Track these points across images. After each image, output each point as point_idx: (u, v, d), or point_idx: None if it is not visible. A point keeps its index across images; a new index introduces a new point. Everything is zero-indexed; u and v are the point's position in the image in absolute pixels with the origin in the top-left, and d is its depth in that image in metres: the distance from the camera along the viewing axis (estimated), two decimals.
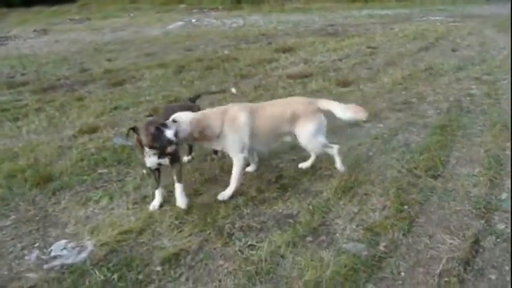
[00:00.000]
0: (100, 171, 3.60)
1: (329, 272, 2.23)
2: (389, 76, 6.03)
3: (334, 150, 3.23)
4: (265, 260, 2.36)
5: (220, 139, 2.99)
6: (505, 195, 2.87)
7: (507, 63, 6.60)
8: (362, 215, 2.77)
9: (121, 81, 6.52)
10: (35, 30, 12.18)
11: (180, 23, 11.94)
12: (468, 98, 5.04)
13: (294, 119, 3.06)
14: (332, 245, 2.49)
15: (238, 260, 2.38)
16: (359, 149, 3.76)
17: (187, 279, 2.27)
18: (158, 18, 13.26)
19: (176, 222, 2.78)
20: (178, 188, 2.92)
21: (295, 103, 3.18)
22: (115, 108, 5.25)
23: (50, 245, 2.65)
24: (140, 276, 2.31)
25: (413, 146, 3.77)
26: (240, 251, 2.47)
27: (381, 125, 4.31)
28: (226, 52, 8.09)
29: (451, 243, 2.46)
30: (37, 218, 2.96)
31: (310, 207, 2.89)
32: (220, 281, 2.25)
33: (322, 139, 3.14)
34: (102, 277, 2.29)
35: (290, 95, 5.00)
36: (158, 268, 2.37)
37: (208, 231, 2.66)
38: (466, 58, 7.10)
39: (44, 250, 2.60)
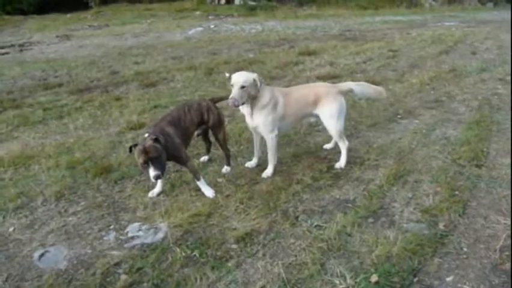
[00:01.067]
0: None
1: (397, 248, 2.40)
2: (416, 77, 6.22)
3: (345, 144, 3.47)
4: (334, 238, 2.52)
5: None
6: None
7: None
8: (417, 199, 2.94)
9: (153, 82, 6.73)
10: (57, 36, 12.48)
11: (199, 28, 12.21)
12: (496, 97, 5.21)
13: (317, 100, 3.33)
14: (393, 225, 2.66)
15: (308, 238, 2.56)
16: (401, 142, 3.93)
17: (264, 255, 2.44)
18: (176, 24, 13.56)
19: (242, 206, 2.95)
20: (199, 184, 3.14)
21: (319, 86, 3.49)
22: (155, 106, 5.45)
23: (125, 227, 2.82)
24: (219, 253, 2.48)
25: (452, 139, 3.94)
26: (308, 230, 2.64)
27: (417, 121, 4.48)
28: (251, 55, 8.31)
29: (505, 223, 2.63)
30: (106, 204, 3.14)
31: (366, 193, 3.06)
32: (295, 256, 2.41)
33: (342, 122, 3.39)
34: (183, 253, 2.47)
35: None
36: (234, 246, 2.54)
37: (273, 214, 2.83)
38: (487, 61, 7.29)
39: (121, 231, 2.78)
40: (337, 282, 2.18)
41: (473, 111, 4.73)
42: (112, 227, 2.84)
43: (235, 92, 3.08)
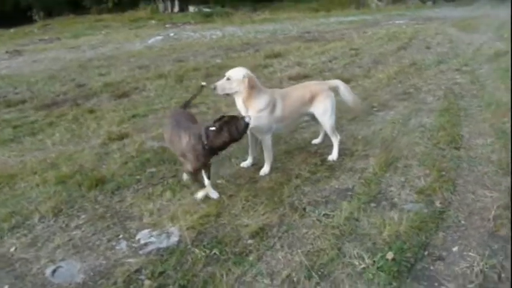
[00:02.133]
0: (149, 170, 3.76)
1: (403, 226, 2.58)
2: (381, 72, 6.57)
3: (337, 138, 3.68)
4: (344, 224, 2.67)
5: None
6: None
7: (478, 55, 7.38)
8: (410, 182, 3.16)
9: (125, 92, 6.63)
10: (7, 52, 11.86)
11: (159, 37, 12.09)
12: (457, 86, 5.65)
13: (312, 98, 3.49)
14: (395, 207, 2.85)
15: (320, 227, 2.68)
16: (382, 132, 4.18)
17: (281, 247, 2.54)
18: (134, 34, 13.34)
19: (248, 204, 3.02)
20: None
21: (312, 85, 3.66)
22: (133, 116, 5.39)
23: (135, 235, 2.81)
24: (237, 249, 2.54)
25: (428, 126, 4.25)
26: (318, 220, 2.77)
27: (392, 112, 4.77)
28: (218, 61, 8.38)
29: (491, 196, 2.90)
30: (108, 214, 3.09)
31: (362, 180, 3.24)
32: (312, 244, 2.53)
33: (334, 117, 3.60)
34: (203, 253, 2.51)
35: None
36: (250, 241, 2.61)
37: (281, 208, 2.94)
38: (441, 54, 7.83)
39: (131, 240, 2.76)
40: (356, 263, 2.32)
41: (440, 100, 5.10)
42: (121, 236, 2.82)
43: (221, 80, 3.24)
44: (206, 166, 3.07)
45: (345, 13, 18.25)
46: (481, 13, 16.85)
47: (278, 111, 3.34)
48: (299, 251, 2.47)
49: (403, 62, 7.21)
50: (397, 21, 13.77)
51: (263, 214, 2.88)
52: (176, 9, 20.74)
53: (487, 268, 2.21)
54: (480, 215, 2.70)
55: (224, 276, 2.30)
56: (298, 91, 3.55)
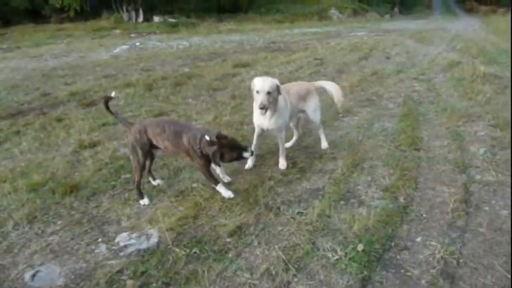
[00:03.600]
0: (123, 176, 3.79)
1: (371, 221, 2.78)
2: (345, 81, 6.90)
3: (322, 129, 4.06)
4: (317, 221, 2.84)
5: None
6: (482, 150, 3.71)
7: (433, 65, 7.89)
8: (376, 181, 3.38)
9: (93, 101, 6.57)
10: None
11: (125, 46, 11.99)
12: (415, 93, 6.04)
13: (305, 96, 3.79)
14: (363, 204, 3.06)
15: (294, 224, 2.84)
16: (348, 136, 4.42)
17: (259, 243, 2.67)
18: (98, 43, 13.14)
19: (225, 205, 3.13)
20: (219, 188, 3.30)
21: (303, 84, 3.96)
22: (103, 124, 5.36)
23: (113, 238, 2.84)
24: (216, 247, 2.64)
25: (390, 130, 4.53)
26: (292, 217, 2.92)
27: (356, 118, 5.04)
28: (186, 70, 8.45)
29: (449, 191, 3.17)
30: (85, 220, 3.11)
31: (331, 181, 3.43)
32: (287, 240, 2.68)
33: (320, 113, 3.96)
34: (183, 252, 2.59)
35: None
36: (229, 239, 2.72)
37: (256, 208, 3.06)
38: (400, 64, 8.31)
39: (111, 243, 2.79)
40: (330, 255, 2.49)
41: (400, 106, 5.44)
42: (99, 240, 2.84)
43: (262, 97, 3.26)
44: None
45: (309, 24, 18.85)
46: (434, 26, 17.92)
47: (289, 107, 3.53)
48: (276, 246, 2.60)
49: (365, 71, 7.59)
50: (358, 33, 14.40)
51: (239, 214, 3.00)
52: (140, 19, 20.60)
53: (447, 255, 2.43)
54: (439, 209, 2.94)
55: (205, 272, 2.40)
56: (296, 88, 3.78)
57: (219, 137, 2.96)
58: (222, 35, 15.03)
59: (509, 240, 2.55)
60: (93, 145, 4.62)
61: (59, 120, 5.74)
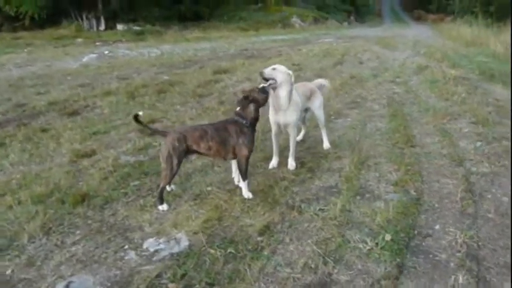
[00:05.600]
0: (132, 184, 3.74)
1: (391, 213, 2.95)
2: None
3: (325, 129, 4.29)
4: (340, 216, 2.97)
5: None
6: (479, 143, 4.01)
7: (405, 69, 8.35)
8: (384, 177, 3.58)
9: (75, 110, 6.37)
10: None
11: (93, 55, 11.67)
12: (396, 95, 6.38)
13: (311, 95, 4.02)
14: (379, 198, 3.23)
15: (319, 220, 2.95)
16: (346, 136, 4.61)
17: (290, 240, 2.75)
18: (63, 52, 12.68)
19: (246, 206, 3.19)
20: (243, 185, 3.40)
21: (307, 84, 4.17)
22: (94, 133, 5.23)
23: (141, 244, 2.81)
24: (250, 247, 2.69)
25: (383, 129, 4.78)
26: (315, 214, 3.03)
27: (349, 119, 5.26)
28: (165, 77, 8.38)
29: (452, 183, 3.42)
30: (104, 228, 3.05)
31: (343, 178, 3.59)
32: (317, 235, 2.78)
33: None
34: (219, 253, 2.63)
35: None
36: (260, 238, 2.78)
37: (278, 208, 3.15)
38: (373, 68, 8.72)
39: (139, 249, 2.76)
40: (361, 246, 2.62)
41: (385, 107, 5.73)
42: (126, 247, 2.81)
43: (267, 68, 3.55)
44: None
45: (274, 32, 19.22)
46: (392, 33, 18.86)
47: (300, 105, 3.70)
48: (308, 241, 2.70)
49: (343, 76, 7.90)
50: (326, 40, 14.90)
51: (263, 214, 3.07)
52: (102, 27, 20.10)
53: (467, 239, 2.64)
54: (449, 199, 3.17)
55: (247, 270, 2.44)
56: (302, 88, 3.95)
57: (239, 101, 3.30)
58: (191, 42, 15.00)
59: None
60: (90, 154, 4.50)
61: (44, 130, 5.53)
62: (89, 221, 3.14)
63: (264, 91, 3.33)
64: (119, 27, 19.07)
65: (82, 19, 19.75)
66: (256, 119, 3.28)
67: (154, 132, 3.59)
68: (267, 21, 23.30)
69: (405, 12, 49.81)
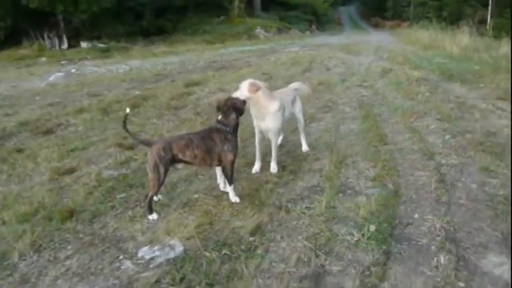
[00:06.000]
0: (118, 196, 3.76)
1: (373, 206, 3.14)
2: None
3: (303, 132, 4.50)
4: (325, 212, 3.13)
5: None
6: (447, 136, 4.31)
7: (370, 73, 8.75)
8: (362, 174, 3.78)
9: (48, 129, 6.26)
10: None
11: (60, 73, 11.46)
12: (365, 98, 6.69)
13: (294, 100, 4.25)
14: (360, 193, 3.42)
15: (306, 217, 3.09)
16: (322, 138, 4.82)
17: (281, 237, 2.88)
18: (28, 72, 12.35)
19: (234, 210, 3.30)
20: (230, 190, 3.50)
21: (288, 90, 4.37)
22: (72, 150, 5.18)
23: (135, 254, 2.85)
24: (243, 247, 2.80)
25: (356, 130, 5.02)
26: (302, 212, 3.17)
27: (323, 123, 5.48)
28: (137, 92, 8.37)
29: (425, 175, 3.67)
30: (97, 241, 3.06)
31: (324, 178, 3.76)
32: (306, 231, 2.92)
33: None
34: (215, 255, 2.72)
35: None
36: (252, 238, 2.89)
37: (265, 209, 3.27)
38: (340, 74, 9.07)
39: (134, 258, 2.80)
40: (349, 238, 2.78)
41: (356, 109, 6.01)
42: (121, 257, 2.84)
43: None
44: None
45: (240, 43, 19.49)
46: (354, 40, 19.57)
47: (285, 111, 3.85)
48: (299, 237, 2.84)
49: (312, 82, 8.15)
50: (292, 49, 15.28)
51: (252, 215, 3.18)
52: (65, 45, 19.70)
53: (444, 224, 2.86)
54: (424, 189, 3.41)
55: (244, 269, 2.55)
56: (287, 94, 4.16)
57: (219, 109, 3.44)
58: (159, 57, 14.98)
59: (486, 207, 3.06)
60: (71, 171, 4.47)
61: (18, 151, 5.41)
62: (80, 235, 3.15)
63: (244, 101, 3.49)
64: (83, 44, 18.78)
65: (43, 38, 19.29)
66: (237, 125, 3.44)
67: (140, 142, 3.63)
68: (231, 33, 23.60)
69: (363, 20, 51.66)
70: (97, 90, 9.21)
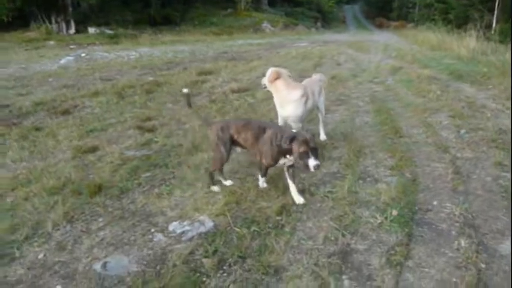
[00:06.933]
0: (144, 175, 3.87)
1: (393, 192, 3.27)
2: None
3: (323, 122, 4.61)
4: (348, 197, 3.25)
5: None
6: (463, 131, 4.44)
7: (380, 70, 8.86)
8: (381, 163, 3.90)
9: (66, 110, 6.36)
10: None
11: (70, 57, 11.52)
12: (377, 93, 6.81)
13: (320, 91, 4.48)
14: (379, 181, 3.54)
15: (330, 200, 3.22)
16: (338, 129, 4.94)
17: (308, 217, 3.01)
18: (38, 55, 12.41)
19: (259, 192, 3.41)
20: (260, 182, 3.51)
21: (315, 80, 4.53)
22: (91, 131, 5.29)
23: (166, 228, 2.98)
24: (271, 225, 2.93)
25: (371, 123, 5.14)
26: (325, 196, 3.30)
27: (337, 115, 5.60)
28: (150, 78, 8.46)
29: (441, 166, 3.79)
30: (127, 215, 3.18)
31: (343, 165, 3.89)
32: (331, 213, 3.05)
33: None
34: (245, 231, 2.84)
35: (243, 104, 6.08)
36: (278, 218, 3.01)
37: (289, 191, 3.40)
38: (351, 69, 9.18)
39: (166, 231, 2.93)
40: (372, 221, 2.91)
41: (369, 104, 6.12)
42: (153, 230, 2.96)
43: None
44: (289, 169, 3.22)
45: (247, 37, 19.58)
46: (361, 38, 19.67)
47: (309, 101, 3.95)
48: (324, 218, 2.97)
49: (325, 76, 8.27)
50: (300, 44, 15.38)
51: (277, 197, 3.30)
52: (72, 30, 19.70)
53: (462, 212, 2.99)
54: (441, 179, 3.53)
55: (274, 243, 2.67)
56: (314, 84, 4.26)
57: (300, 140, 2.90)
58: (168, 45, 15.04)
59: (501, 198, 3.20)
60: (93, 150, 4.58)
61: (37, 129, 5.52)
62: (110, 209, 3.27)
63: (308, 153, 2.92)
64: (91, 30, 18.78)
65: (50, 22, 19.27)
66: (287, 151, 3.03)
67: (203, 122, 3.78)
68: (238, 26, 23.65)
69: (367, 20, 51.71)
70: (109, 75, 9.30)
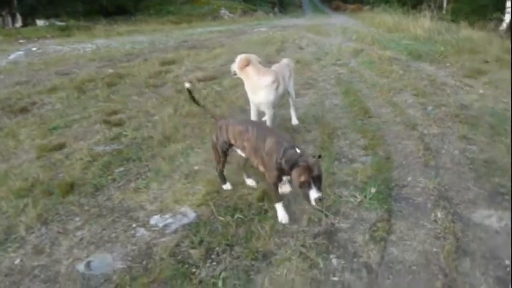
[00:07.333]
0: (117, 170, 3.76)
1: (369, 170, 3.37)
2: None
3: (293, 106, 4.61)
4: (327, 178, 3.31)
5: None
6: (430, 108, 4.61)
7: (342, 53, 9.01)
8: (354, 143, 4.00)
9: (22, 108, 6.00)
10: None
11: (20, 52, 10.85)
12: (342, 75, 6.92)
13: (289, 76, 4.44)
14: (354, 161, 3.63)
15: None
16: (309, 112, 4.98)
17: (289, 202, 3.04)
18: None
19: (237, 179, 3.40)
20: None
21: (284, 65, 4.45)
22: (54, 128, 5.03)
23: (147, 222, 2.92)
24: (254, 211, 2.94)
25: (341, 105, 5.24)
26: None
27: (307, 98, 5.65)
28: (111, 70, 8.14)
29: (411, 143, 3.93)
30: (105, 212, 3.08)
31: (318, 148, 3.95)
32: None
33: None
34: (229, 218, 2.84)
35: (210, 93, 6.01)
36: (260, 203, 3.02)
37: None
38: (314, 53, 9.26)
39: (147, 226, 2.87)
40: (352, 200, 2.99)
41: (336, 86, 6.23)
42: (134, 225, 2.89)
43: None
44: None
45: (206, 24, 19.23)
46: (319, 22, 19.85)
47: (280, 86, 3.92)
48: (305, 201, 3.00)
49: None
50: (261, 29, 15.29)
51: (257, 183, 3.31)
52: (19, 23, 18.52)
53: (435, 185, 3.13)
54: (412, 156, 3.68)
55: (260, 229, 2.69)
56: (283, 69, 4.21)
57: (305, 161, 2.40)
58: (124, 36, 14.50)
59: (469, 169, 3.37)
60: (59, 147, 4.38)
61: None
62: (86, 207, 3.15)
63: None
64: (40, 23, 17.73)
65: None
66: (283, 173, 2.60)
67: (211, 116, 3.32)
68: (196, 14, 23.17)
69: (324, 3, 52.24)
70: (66, 69, 8.85)
